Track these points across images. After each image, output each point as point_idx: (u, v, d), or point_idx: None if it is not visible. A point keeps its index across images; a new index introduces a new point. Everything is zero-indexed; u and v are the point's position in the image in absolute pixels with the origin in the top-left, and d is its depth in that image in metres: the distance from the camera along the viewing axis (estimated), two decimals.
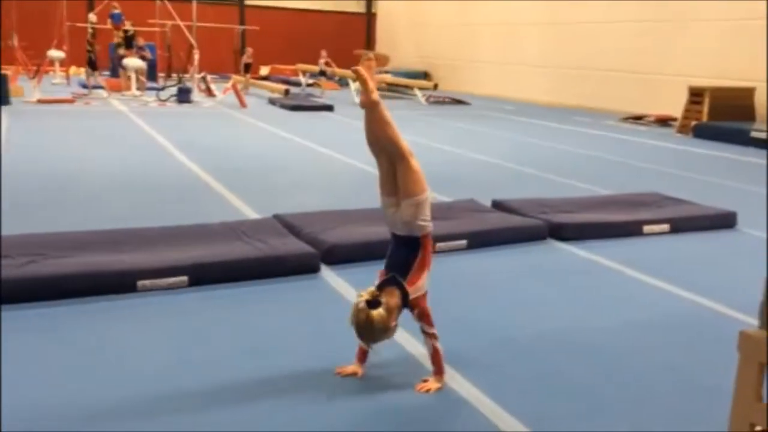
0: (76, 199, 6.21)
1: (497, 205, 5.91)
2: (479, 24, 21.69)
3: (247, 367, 3.07)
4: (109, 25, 18.65)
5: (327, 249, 4.53)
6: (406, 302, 2.83)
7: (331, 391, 2.87)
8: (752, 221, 6.05)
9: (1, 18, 18.81)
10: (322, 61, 19.41)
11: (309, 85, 20.01)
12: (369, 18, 27.45)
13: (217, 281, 4.07)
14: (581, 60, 17.87)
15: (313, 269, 4.36)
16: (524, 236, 5.25)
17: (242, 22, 24.31)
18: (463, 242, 4.99)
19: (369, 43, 26.97)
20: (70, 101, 14.05)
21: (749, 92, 13.44)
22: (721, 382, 2.72)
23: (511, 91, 20.03)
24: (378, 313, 2.70)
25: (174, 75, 18.84)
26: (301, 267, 4.33)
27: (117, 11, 18.32)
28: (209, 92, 16.44)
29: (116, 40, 17.82)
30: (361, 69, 2.86)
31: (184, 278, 4.00)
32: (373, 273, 2.98)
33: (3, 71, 14.10)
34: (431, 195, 2.94)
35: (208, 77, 16.95)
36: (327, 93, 18.15)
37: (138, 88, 15.76)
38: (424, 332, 2.90)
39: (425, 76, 22.90)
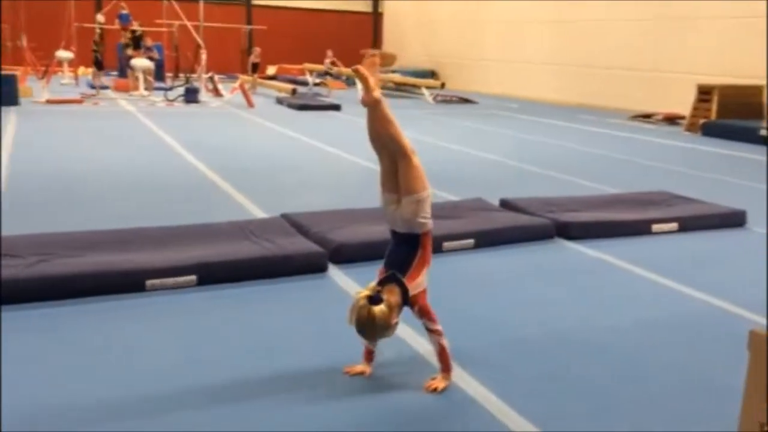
0: (85, 198, 6.23)
1: (505, 204, 5.90)
2: (486, 22, 21.66)
3: (254, 366, 3.07)
4: (117, 26, 18.73)
5: (335, 248, 4.53)
6: (406, 299, 2.82)
7: (339, 390, 2.87)
8: (762, 220, 6.01)
9: (1, 18, 18.89)
10: (327, 60, 19.43)
11: (316, 84, 20.03)
12: (376, 17, 27.45)
13: (225, 280, 4.08)
14: (588, 58, 17.82)
15: (321, 268, 4.37)
16: (532, 235, 5.24)
17: (249, 22, 24.35)
18: (471, 241, 4.98)
19: (376, 42, 26.97)
20: (79, 101, 14.10)
21: (758, 90, 13.36)
22: (731, 382, 2.71)
23: (518, 90, 19.99)
24: (380, 309, 2.68)
25: (181, 75, 18.88)
26: (309, 266, 4.33)
27: (125, 12, 18.39)
28: (216, 92, 16.47)
29: (124, 40, 17.89)
30: (361, 68, 2.86)
31: (193, 277, 4.01)
32: None
33: (13, 72, 14.21)
34: (432, 192, 2.92)
35: (216, 77, 16.99)
36: (334, 92, 18.17)
37: (146, 89, 15.81)
38: (428, 329, 2.88)
39: (432, 75, 22.89)
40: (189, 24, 16.84)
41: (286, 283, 4.15)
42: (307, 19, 25.65)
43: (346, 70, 19.11)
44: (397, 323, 2.82)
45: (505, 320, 3.75)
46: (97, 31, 16.45)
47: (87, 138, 9.76)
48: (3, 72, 13.18)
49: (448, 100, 17.89)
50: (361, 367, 3.01)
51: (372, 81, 2.84)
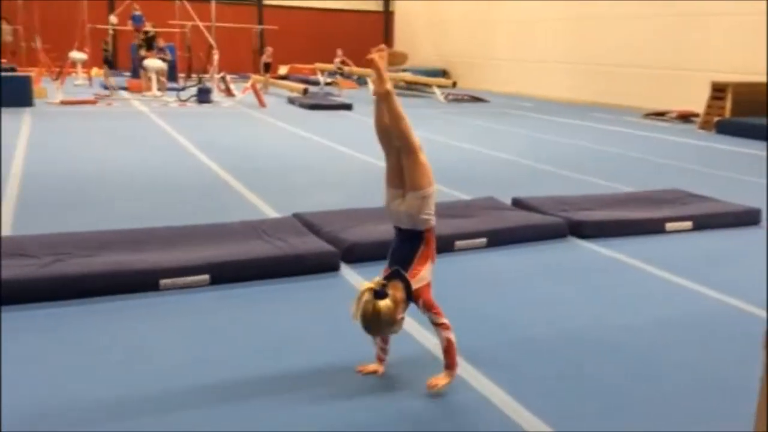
0: (99, 199, 6.27)
1: (517, 203, 5.88)
2: (497, 21, 21.60)
3: (265, 365, 3.08)
4: (129, 27, 18.84)
5: (347, 247, 4.54)
6: (410, 294, 2.80)
7: (351, 389, 2.88)
8: None
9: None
10: (337, 60, 19.44)
11: (327, 84, 20.06)
12: (387, 16, 27.45)
13: (238, 280, 4.09)
14: (600, 56, 17.73)
15: (333, 268, 4.37)
16: (544, 234, 5.22)
17: (260, 22, 24.44)
18: (483, 240, 4.97)
19: (387, 41, 26.94)
20: (93, 102, 14.20)
21: None
22: (745, 381, 2.70)
23: (530, 88, 19.93)
24: (385, 304, 2.67)
25: (194, 75, 18.98)
26: (321, 266, 4.34)
27: (138, 13, 18.52)
28: (229, 92, 16.53)
29: (137, 41, 18.00)
30: (376, 57, 2.86)
31: (206, 277, 4.03)
32: None
33: (27, 73, 14.32)
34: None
35: (228, 77, 17.06)
36: (345, 92, 18.18)
37: (159, 89, 15.91)
38: (434, 323, 2.84)
39: (444, 74, 22.87)
40: (201, 24, 16.92)
41: (298, 283, 4.16)
42: (318, 19, 25.70)
43: (357, 69, 19.13)
44: (402, 319, 2.81)
45: (517, 319, 3.74)
46: (110, 32, 16.55)
47: (100, 138, 9.82)
48: (19, 73, 13.28)
49: (459, 99, 17.86)
50: (373, 366, 3.01)
51: (385, 72, 2.84)
